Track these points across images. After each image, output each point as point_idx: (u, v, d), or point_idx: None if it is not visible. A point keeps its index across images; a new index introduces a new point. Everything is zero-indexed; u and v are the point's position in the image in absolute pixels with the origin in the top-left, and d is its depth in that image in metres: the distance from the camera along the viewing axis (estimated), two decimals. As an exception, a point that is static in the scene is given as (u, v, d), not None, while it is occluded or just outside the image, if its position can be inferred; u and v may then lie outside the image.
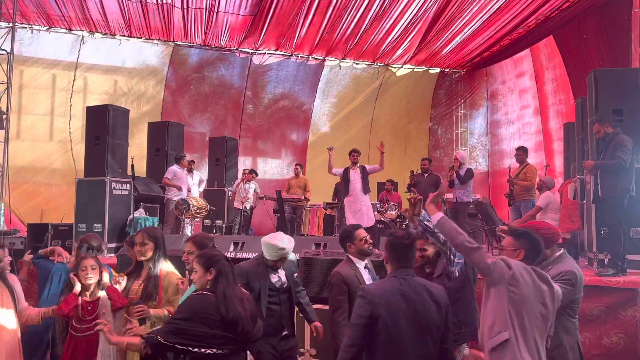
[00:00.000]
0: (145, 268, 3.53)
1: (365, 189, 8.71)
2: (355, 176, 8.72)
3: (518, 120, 12.98)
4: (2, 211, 11.31)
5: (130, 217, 8.45)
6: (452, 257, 3.38)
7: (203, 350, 2.65)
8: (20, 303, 3.53)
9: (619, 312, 5.33)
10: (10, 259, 3.63)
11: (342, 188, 9.03)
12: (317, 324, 3.93)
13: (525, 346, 2.71)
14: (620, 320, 5.31)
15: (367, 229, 7.26)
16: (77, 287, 3.47)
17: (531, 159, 12.11)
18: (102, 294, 3.54)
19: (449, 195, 10.20)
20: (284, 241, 3.74)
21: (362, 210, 8.52)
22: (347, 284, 3.52)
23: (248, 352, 3.22)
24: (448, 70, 14.51)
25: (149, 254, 3.51)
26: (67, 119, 12.14)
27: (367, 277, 3.61)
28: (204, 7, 10.86)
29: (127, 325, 3.15)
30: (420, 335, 2.64)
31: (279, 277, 3.82)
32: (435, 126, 15.12)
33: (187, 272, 3.40)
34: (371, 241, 3.78)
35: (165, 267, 3.52)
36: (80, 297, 3.46)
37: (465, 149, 14.58)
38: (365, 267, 3.66)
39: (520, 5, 10.64)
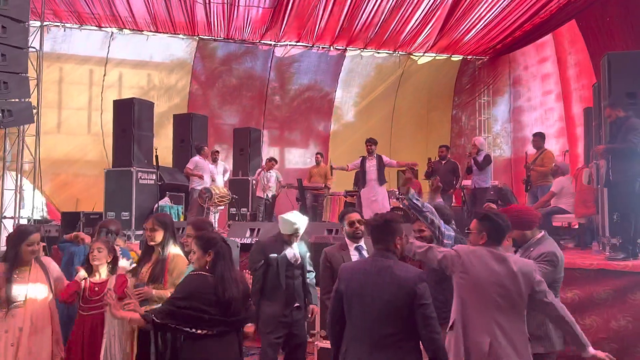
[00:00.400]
0: (155, 252, 3.72)
1: (381, 180, 8.66)
2: (371, 167, 8.67)
3: (541, 107, 12.77)
4: (44, 201, 11.89)
5: (156, 205, 8.77)
6: (440, 237, 3.47)
7: (194, 330, 2.81)
8: (55, 279, 3.76)
9: (628, 296, 5.29)
10: (44, 244, 3.87)
11: (360, 178, 9.02)
12: (314, 307, 4.14)
13: (479, 328, 2.78)
14: (629, 304, 5.28)
15: None
16: (81, 274, 3.71)
17: (554, 145, 11.99)
18: (113, 276, 3.76)
19: (467, 182, 10.18)
20: (297, 217, 4.13)
21: (377, 200, 8.49)
22: (330, 262, 3.72)
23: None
24: (470, 57, 14.35)
25: (158, 239, 3.69)
26: (100, 112, 12.56)
27: (355, 259, 3.75)
28: (225, 2, 11.07)
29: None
30: (378, 313, 2.65)
31: (293, 253, 4.15)
32: (459, 114, 14.99)
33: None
34: (361, 226, 3.90)
35: (174, 251, 3.70)
36: (88, 279, 3.69)
37: (489, 135, 14.44)
38: (356, 249, 3.79)
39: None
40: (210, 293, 2.87)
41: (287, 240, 4.17)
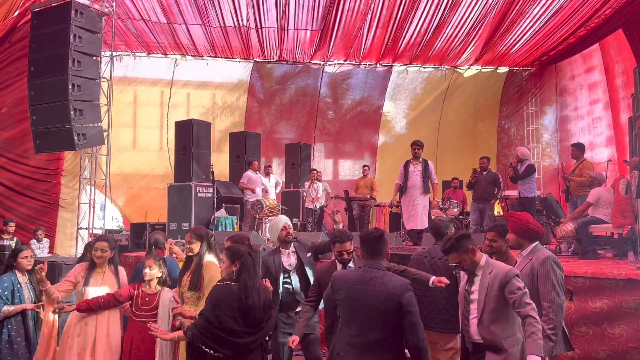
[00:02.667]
0: (194, 261, 4.05)
1: (425, 188, 7.62)
2: (414, 172, 7.67)
3: (588, 115, 12.36)
4: (119, 213, 12.81)
5: (213, 216, 9.28)
6: None
7: (220, 355, 3.09)
8: (122, 285, 4.20)
9: (657, 306, 5.19)
10: (111, 254, 4.27)
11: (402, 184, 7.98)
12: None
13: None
14: (659, 314, 5.17)
15: (419, 231, 7.34)
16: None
17: (603, 154, 11.59)
18: (165, 288, 4.07)
19: (513, 193, 10.05)
20: (274, 221, 4.63)
21: (417, 213, 7.57)
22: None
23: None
24: (517, 68, 14.12)
25: (196, 250, 4.01)
26: (166, 131, 13.38)
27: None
28: (276, 27, 11.59)
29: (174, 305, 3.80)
30: (367, 319, 2.76)
31: (290, 260, 4.45)
32: (507, 124, 14.74)
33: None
34: (349, 256, 3.91)
35: (209, 259, 4.03)
36: (141, 289, 4.07)
37: (538, 145, 14.12)
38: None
39: (585, 2, 10.24)
40: (234, 300, 3.15)
41: (281, 247, 4.50)
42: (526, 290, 2.99)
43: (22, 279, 4.53)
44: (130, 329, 3.98)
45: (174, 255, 5.11)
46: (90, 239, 7.97)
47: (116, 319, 4.07)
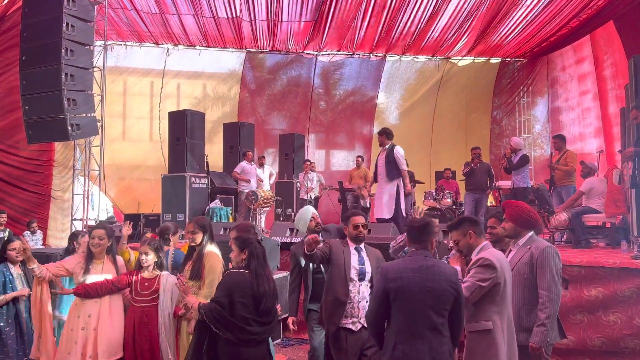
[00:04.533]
0: (196, 251, 4.08)
1: (390, 176, 7.18)
2: (380, 160, 7.40)
3: (578, 106, 12.47)
4: (110, 204, 12.71)
5: (208, 207, 9.24)
6: None
7: (233, 339, 3.11)
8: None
9: (651, 294, 5.27)
10: (108, 242, 4.25)
11: None
12: None
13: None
14: (653, 302, 5.25)
15: (386, 220, 7.23)
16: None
17: (592, 145, 11.72)
18: (163, 273, 4.13)
19: (506, 183, 10.13)
20: (301, 212, 4.59)
21: (382, 202, 7.27)
22: (332, 252, 3.88)
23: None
24: (509, 59, 14.17)
25: (198, 240, 4.06)
26: (158, 121, 13.25)
27: (354, 259, 3.87)
28: (269, 19, 11.50)
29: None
30: (429, 306, 2.83)
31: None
32: (499, 115, 14.82)
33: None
34: (365, 230, 3.95)
35: (210, 248, 4.05)
36: (139, 274, 4.09)
37: (529, 136, 14.21)
38: (356, 250, 3.92)
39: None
40: (247, 287, 3.18)
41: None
42: (466, 283, 3.09)
43: (15, 270, 4.51)
44: (131, 315, 4.00)
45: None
46: (83, 230, 7.90)
47: (119, 308, 4.06)
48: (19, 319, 4.46)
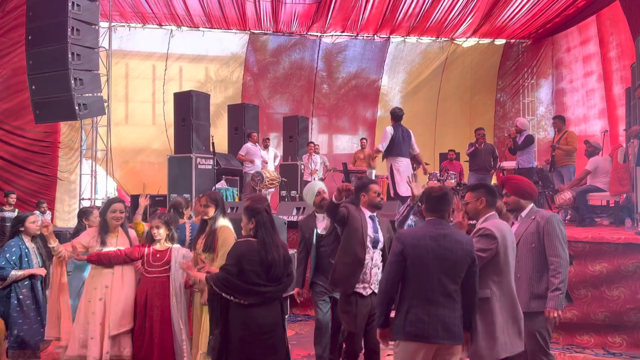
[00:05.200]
0: (209, 225, 4.14)
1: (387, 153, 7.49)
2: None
3: (582, 88, 12.44)
4: (115, 186, 12.78)
5: (213, 188, 9.29)
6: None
7: (242, 301, 3.18)
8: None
9: (655, 269, 5.35)
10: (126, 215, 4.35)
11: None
12: None
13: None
14: (656, 276, 5.34)
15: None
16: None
17: (596, 126, 11.72)
18: (175, 245, 4.20)
19: (510, 164, 10.16)
20: (310, 185, 4.72)
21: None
22: (350, 215, 3.91)
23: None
24: (514, 40, 14.11)
25: (211, 213, 4.11)
26: (162, 104, 13.25)
27: (369, 225, 3.94)
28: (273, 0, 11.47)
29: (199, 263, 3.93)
30: (445, 273, 2.91)
31: (325, 224, 4.47)
32: (503, 97, 14.79)
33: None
34: (382, 196, 4.09)
35: (223, 223, 4.11)
36: (151, 247, 4.16)
37: (533, 118, 14.20)
38: (371, 218, 4.00)
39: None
40: (255, 255, 3.22)
41: (316, 211, 4.56)
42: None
43: (30, 244, 4.55)
44: (144, 286, 4.07)
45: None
46: (92, 206, 7.98)
47: (131, 280, 4.14)
48: (35, 292, 4.51)
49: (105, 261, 3.98)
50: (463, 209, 3.45)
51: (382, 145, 7.43)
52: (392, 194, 7.52)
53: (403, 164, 7.46)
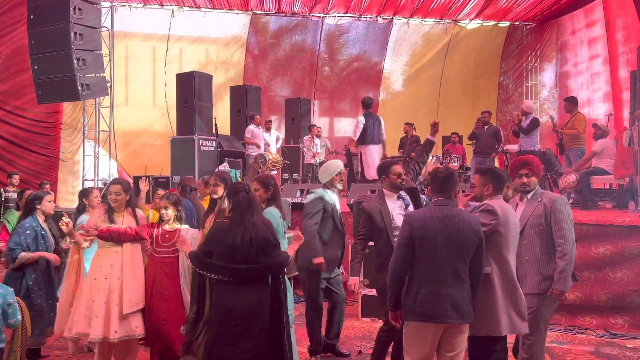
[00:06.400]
0: (218, 204, 4.15)
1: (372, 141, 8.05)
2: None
3: (587, 71, 12.37)
4: (116, 168, 12.78)
5: (216, 170, 9.31)
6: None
7: (216, 277, 3.21)
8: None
9: (659, 251, 5.40)
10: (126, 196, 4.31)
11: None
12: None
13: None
14: (659, 259, 5.38)
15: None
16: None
17: (600, 110, 11.68)
18: (184, 226, 4.19)
19: (513, 147, 10.16)
20: (331, 163, 4.64)
21: (374, 161, 7.86)
22: (371, 215, 3.93)
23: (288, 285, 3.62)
24: (518, 23, 13.99)
25: (220, 193, 4.12)
26: (164, 86, 13.18)
27: (397, 207, 3.95)
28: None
29: None
30: (453, 253, 2.95)
31: (336, 204, 4.49)
32: (506, 80, 14.74)
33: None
34: (405, 176, 4.01)
35: None
36: (160, 227, 4.15)
37: (536, 101, 14.15)
38: (399, 198, 3.98)
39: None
40: (224, 237, 3.24)
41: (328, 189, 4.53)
42: None
43: (44, 225, 4.46)
44: (152, 266, 4.09)
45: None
46: (92, 187, 7.99)
47: (139, 260, 4.15)
48: (50, 275, 4.42)
49: (115, 237, 3.96)
50: (469, 193, 3.47)
51: (355, 135, 7.95)
52: (359, 178, 8.08)
53: (374, 150, 8.05)
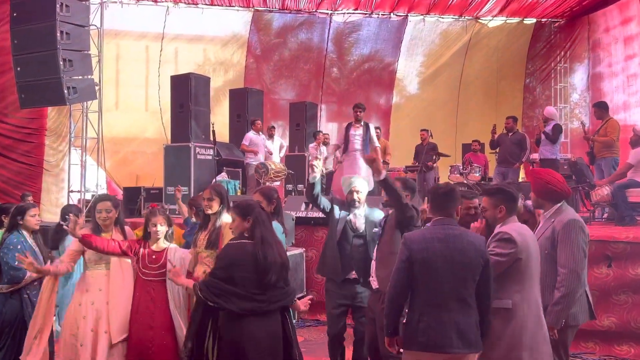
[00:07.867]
0: (212, 220, 4.09)
1: (366, 152, 7.69)
2: (356, 136, 8.07)
3: (622, 72, 12.33)
4: (104, 178, 12.85)
5: (214, 180, 9.31)
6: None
7: (231, 309, 3.14)
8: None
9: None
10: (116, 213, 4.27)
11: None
12: None
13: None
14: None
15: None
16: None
17: (637, 115, 11.63)
18: (171, 245, 4.14)
19: (534, 155, 10.11)
20: (353, 176, 4.71)
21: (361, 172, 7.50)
22: None
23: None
24: (545, 20, 14.01)
25: (215, 208, 4.06)
26: (157, 89, 13.25)
27: None
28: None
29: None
30: (456, 277, 2.93)
31: (357, 221, 4.42)
32: (532, 82, 14.73)
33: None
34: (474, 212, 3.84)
35: (227, 219, 4.09)
36: (148, 246, 4.09)
37: (566, 105, 14.13)
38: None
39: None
40: (250, 259, 3.18)
41: (349, 201, 4.47)
42: None
43: (31, 241, 4.42)
44: (138, 289, 4.04)
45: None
46: (76, 204, 8.02)
47: (130, 283, 4.10)
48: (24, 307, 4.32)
49: (100, 247, 3.90)
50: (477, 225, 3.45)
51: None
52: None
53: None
